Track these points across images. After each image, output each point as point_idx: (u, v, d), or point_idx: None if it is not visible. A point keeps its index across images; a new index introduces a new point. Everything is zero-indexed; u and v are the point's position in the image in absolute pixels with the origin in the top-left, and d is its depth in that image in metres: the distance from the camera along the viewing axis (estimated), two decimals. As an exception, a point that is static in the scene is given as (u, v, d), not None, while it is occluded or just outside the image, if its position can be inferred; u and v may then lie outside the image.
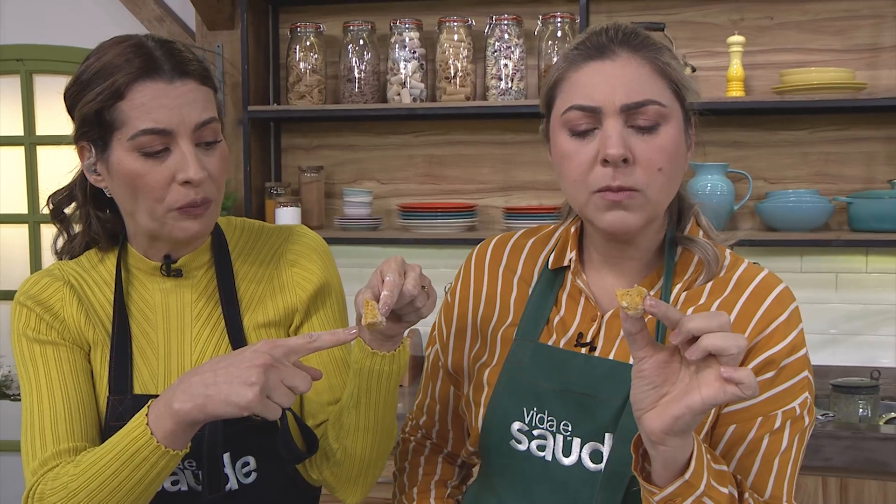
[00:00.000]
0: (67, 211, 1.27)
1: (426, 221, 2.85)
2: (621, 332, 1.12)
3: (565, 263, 1.18)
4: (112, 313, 1.20)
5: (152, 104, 1.09)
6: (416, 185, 3.07)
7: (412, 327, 1.33)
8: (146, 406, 1.05)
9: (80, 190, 1.23)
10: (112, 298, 1.22)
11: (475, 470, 1.31)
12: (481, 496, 1.21)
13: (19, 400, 2.38)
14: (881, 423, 2.54)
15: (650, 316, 0.91)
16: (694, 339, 0.88)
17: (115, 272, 1.22)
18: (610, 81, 1.05)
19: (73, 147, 1.19)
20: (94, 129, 1.12)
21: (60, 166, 1.29)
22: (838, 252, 2.79)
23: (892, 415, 2.57)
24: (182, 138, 1.10)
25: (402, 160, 3.07)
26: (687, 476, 0.93)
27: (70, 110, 1.16)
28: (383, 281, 1.02)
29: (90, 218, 1.24)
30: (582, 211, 1.10)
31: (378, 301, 1.01)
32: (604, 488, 1.07)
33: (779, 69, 2.72)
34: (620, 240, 1.11)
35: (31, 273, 3.22)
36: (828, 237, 2.62)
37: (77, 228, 1.27)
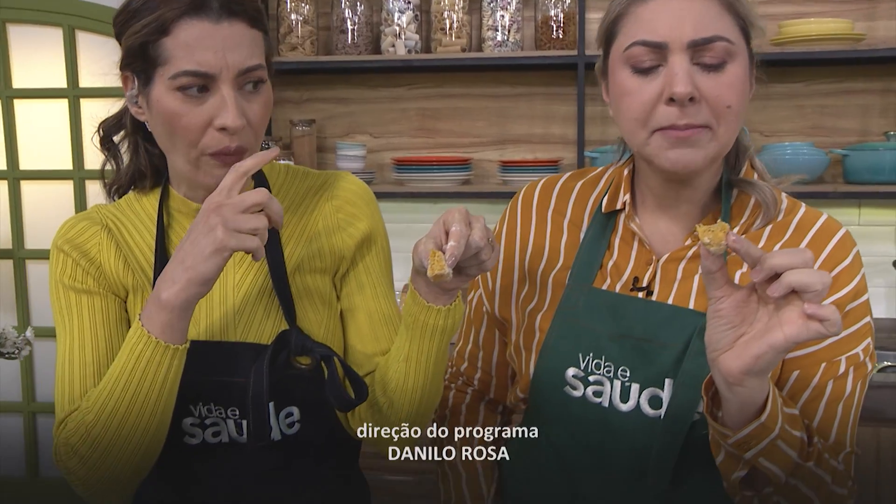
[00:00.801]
0: (116, 139, 1.22)
1: (420, 175, 2.81)
2: (678, 276, 1.11)
3: (619, 206, 1.15)
4: (154, 258, 1.16)
5: (196, 44, 1.04)
6: (409, 138, 3.02)
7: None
8: (137, 317, 1.04)
9: (129, 117, 1.18)
10: (151, 242, 1.18)
11: (515, 417, 1.30)
12: (531, 443, 1.20)
13: (14, 358, 2.32)
14: (874, 371, 2.57)
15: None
16: (775, 276, 0.87)
17: (156, 215, 1.18)
18: (677, 16, 1.01)
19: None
20: (137, 61, 1.08)
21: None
22: (832, 204, 2.81)
23: (886, 363, 2.61)
24: (224, 83, 1.06)
25: (395, 113, 3.02)
26: (763, 418, 0.93)
27: (117, 37, 1.11)
28: (447, 232, 0.98)
29: (139, 147, 1.20)
30: (641, 150, 1.07)
31: (444, 252, 0.98)
32: (664, 434, 1.06)
33: (777, 21, 2.71)
34: (680, 179, 1.09)
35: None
36: (824, 189, 2.63)
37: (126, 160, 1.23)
